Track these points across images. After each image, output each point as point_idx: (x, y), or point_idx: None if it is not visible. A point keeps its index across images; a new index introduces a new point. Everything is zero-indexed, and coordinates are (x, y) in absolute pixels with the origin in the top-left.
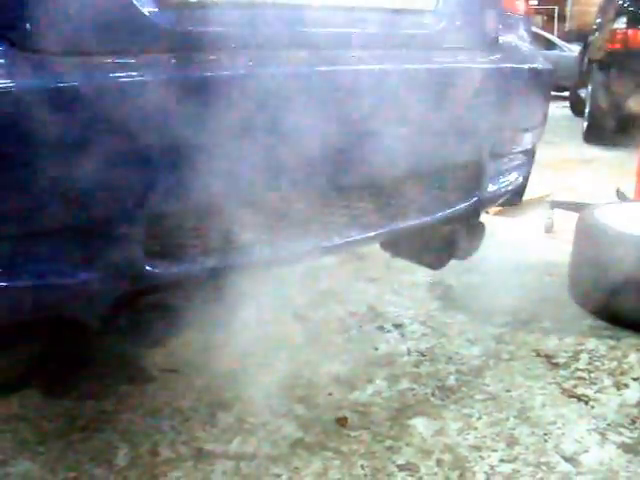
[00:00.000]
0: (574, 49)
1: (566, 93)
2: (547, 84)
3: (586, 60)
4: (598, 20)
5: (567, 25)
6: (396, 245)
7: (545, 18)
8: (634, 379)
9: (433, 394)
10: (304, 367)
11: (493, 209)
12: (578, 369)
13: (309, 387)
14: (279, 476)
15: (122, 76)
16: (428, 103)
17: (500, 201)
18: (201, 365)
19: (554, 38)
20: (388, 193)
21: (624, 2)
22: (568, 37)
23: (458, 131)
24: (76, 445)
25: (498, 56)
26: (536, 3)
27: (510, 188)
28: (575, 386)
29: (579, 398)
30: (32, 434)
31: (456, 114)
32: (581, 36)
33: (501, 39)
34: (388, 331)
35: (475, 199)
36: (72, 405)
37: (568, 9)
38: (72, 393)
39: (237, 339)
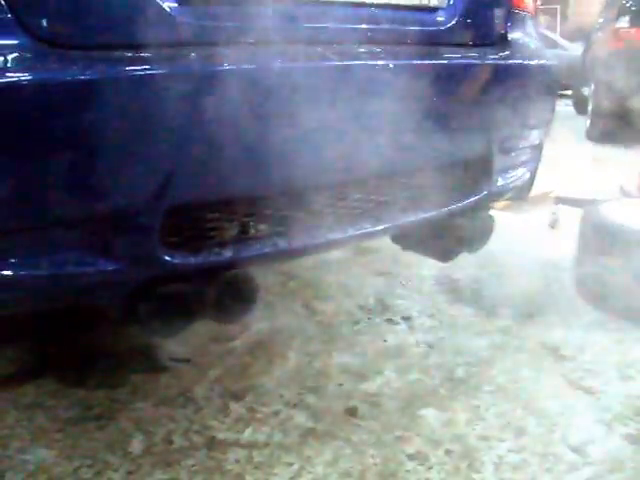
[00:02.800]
0: (577, 48)
1: (569, 91)
2: (554, 81)
3: (589, 59)
4: (601, 19)
5: (570, 24)
6: (407, 238)
7: (548, 17)
8: (639, 371)
9: (442, 385)
10: (315, 358)
11: (498, 205)
12: (584, 361)
13: (320, 378)
14: (291, 465)
15: (141, 70)
16: (439, 98)
17: (508, 195)
18: (214, 355)
19: (557, 37)
20: (399, 186)
21: (627, 1)
22: (571, 36)
23: (468, 126)
24: (91, 433)
25: (507, 53)
26: (539, 2)
27: (518, 183)
28: (581, 378)
29: (585, 390)
30: (48, 422)
31: (466, 109)
32: (584, 35)
33: (510, 36)
34: (397, 323)
35: (484, 193)
36: (87, 394)
37: (570, 8)
38: (87, 382)
39: (249, 330)
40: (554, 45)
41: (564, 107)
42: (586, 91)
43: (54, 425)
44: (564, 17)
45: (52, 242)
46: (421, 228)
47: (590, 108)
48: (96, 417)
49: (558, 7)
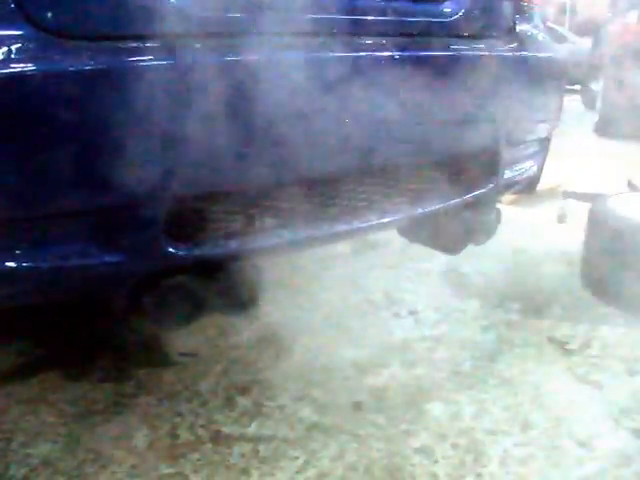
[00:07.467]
0: (586, 42)
1: (577, 86)
2: (562, 73)
3: (598, 53)
4: (610, 14)
5: (578, 19)
6: (414, 230)
7: (557, 11)
8: None
9: (448, 379)
10: (320, 352)
11: (506, 199)
12: (591, 355)
13: (326, 371)
14: (296, 458)
15: (144, 60)
16: (446, 90)
17: (516, 188)
18: (219, 349)
19: (565, 31)
20: (407, 178)
21: None
22: (580, 30)
23: (475, 118)
24: (96, 427)
25: (515, 45)
26: None
27: (525, 176)
28: (588, 372)
29: (592, 384)
30: (52, 416)
31: (473, 101)
32: (593, 29)
33: (518, 28)
34: (403, 317)
35: (491, 185)
36: (91, 388)
37: (579, 3)
38: (91, 376)
39: (255, 324)
40: (562, 40)
41: (572, 102)
42: (595, 86)
43: (58, 419)
44: (573, 11)
45: (56, 234)
46: (428, 221)
47: (599, 103)
48: (100, 411)
49: (567, 1)
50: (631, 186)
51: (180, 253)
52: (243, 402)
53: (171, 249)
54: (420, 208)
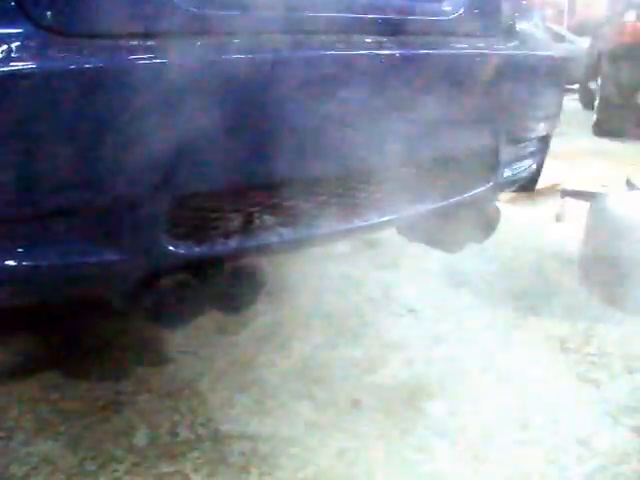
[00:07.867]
0: (584, 42)
1: (575, 86)
2: (561, 72)
3: (596, 53)
4: (608, 13)
5: (577, 18)
6: (413, 229)
7: (555, 11)
8: None
9: (446, 377)
10: (320, 350)
11: (505, 197)
12: (590, 354)
13: (325, 370)
14: (296, 456)
15: (144, 58)
16: (446, 89)
17: (515, 187)
18: (219, 347)
19: (563, 31)
20: (405, 177)
21: None
22: (578, 30)
23: (474, 117)
24: (96, 425)
25: (514, 44)
26: None
27: (525, 174)
28: (587, 370)
29: (591, 382)
30: (52, 415)
31: (474, 100)
32: (591, 29)
33: (517, 27)
34: (402, 316)
35: (491, 184)
36: (91, 386)
37: (578, 2)
38: (91, 375)
39: (254, 322)
40: (561, 39)
41: (570, 101)
42: (593, 85)
43: (58, 418)
44: (571, 11)
45: (56, 232)
46: (427, 219)
47: (597, 102)
48: (100, 409)
49: (566, 0)
50: (629, 185)
51: (180, 252)
52: (243, 400)
53: (171, 248)
54: (419, 207)
